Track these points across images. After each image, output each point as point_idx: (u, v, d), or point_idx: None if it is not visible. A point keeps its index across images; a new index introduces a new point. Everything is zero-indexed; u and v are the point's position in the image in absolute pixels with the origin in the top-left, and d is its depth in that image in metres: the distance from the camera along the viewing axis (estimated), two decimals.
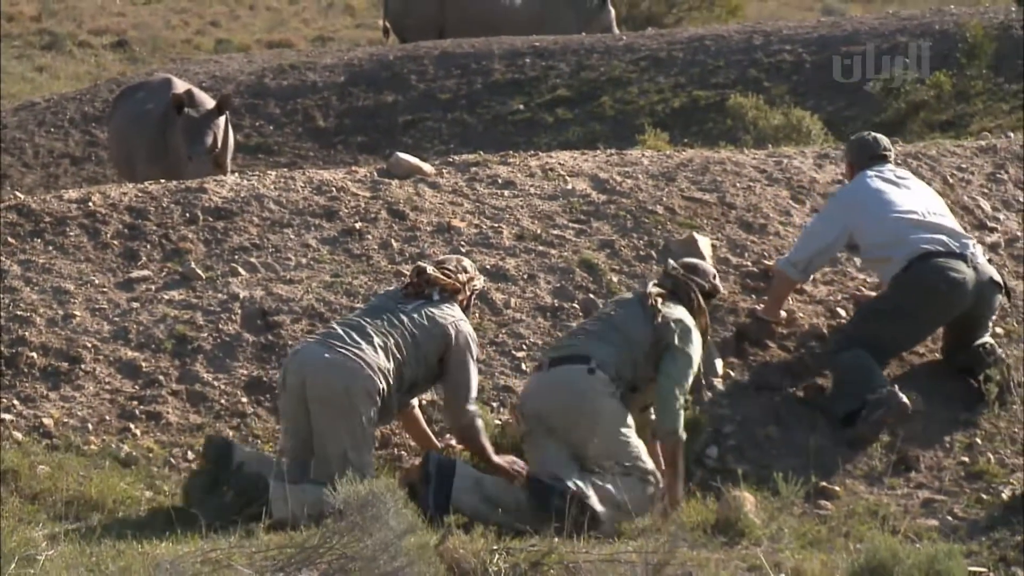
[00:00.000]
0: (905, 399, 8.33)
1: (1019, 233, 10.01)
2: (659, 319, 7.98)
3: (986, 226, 9.99)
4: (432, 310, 7.84)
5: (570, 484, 7.54)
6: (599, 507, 7.55)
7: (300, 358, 7.62)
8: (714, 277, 8.47)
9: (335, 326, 7.81)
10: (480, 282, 8.30)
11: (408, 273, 8.22)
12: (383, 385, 7.55)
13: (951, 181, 10.24)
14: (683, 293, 8.22)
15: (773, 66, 17.50)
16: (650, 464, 7.81)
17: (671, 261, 8.54)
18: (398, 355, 7.66)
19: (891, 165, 9.22)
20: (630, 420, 7.86)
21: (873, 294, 9.19)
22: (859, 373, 8.50)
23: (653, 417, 8.02)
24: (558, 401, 7.79)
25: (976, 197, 10.16)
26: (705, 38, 18.53)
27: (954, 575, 5.91)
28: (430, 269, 7.98)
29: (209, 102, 12.51)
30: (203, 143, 11.96)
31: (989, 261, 8.98)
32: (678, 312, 8.08)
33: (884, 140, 9.33)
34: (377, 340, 7.63)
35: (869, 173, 9.05)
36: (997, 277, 8.82)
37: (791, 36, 18.08)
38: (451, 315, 7.88)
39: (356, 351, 7.55)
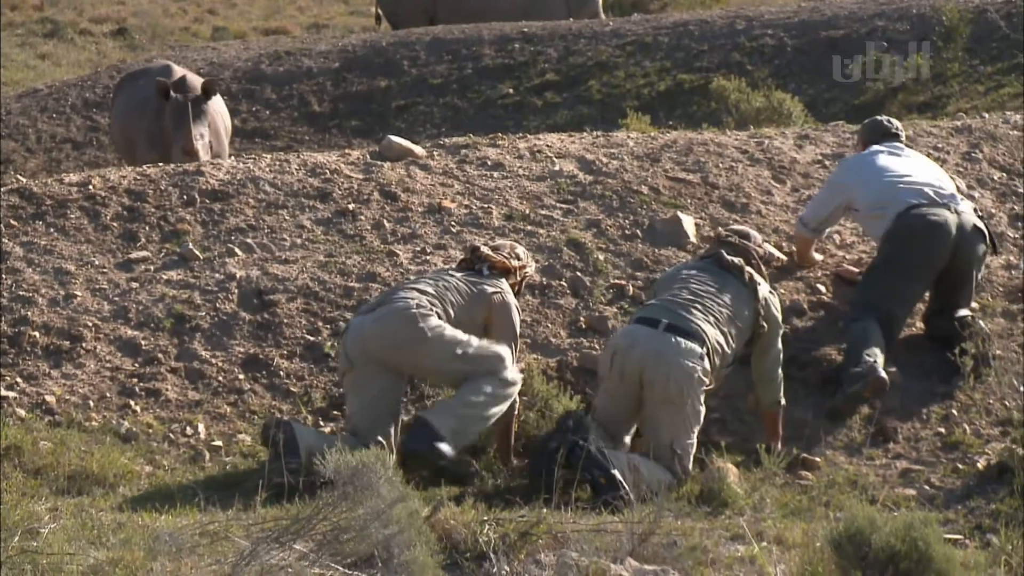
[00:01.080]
0: (883, 374, 8.34)
1: (993, 210, 10.01)
2: (761, 299, 8.07)
3: (985, 230, 9.95)
4: (480, 279, 8.04)
5: (616, 467, 7.55)
6: (628, 489, 7.47)
7: (358, 328, 7.75)
8: (762, 243, 8.67)
9: (383, 295, 8.00)
10: (532, 269, 8.48)
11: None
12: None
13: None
14: (746, 259, 8.29)
15: (755, 50, 17.47)
16: (687, 464, 7.81)
17: (723, 231, 8.59)
18: (451, 313, 7.85)
19: (900, 144, 9.43)
20: (702, 416, 7.89)
21: (855, 269, 9.27)
22: (853, 346, 8.58)
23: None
24: (668, 371, 7.72)
25: (952, 176, 10.14)
26: (689, 23, 18.50)
27: (930, 542, 5.89)
28: (483, 247, 8.18)
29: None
30: (186, 128, 11.85)
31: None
32: (765, 286, 8.23)
33: (896, 122, 9.62)
34: (429, 296, 7.82)
35: (874, 147, 9.33)
36: (981, 226, 8.95)
37: (772, 21, 18.05)
38: (497, 285, 8.07)
39: (409, 298, 7.76)
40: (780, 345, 8.21)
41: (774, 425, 8.19)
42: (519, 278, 8.29)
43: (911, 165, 9.21)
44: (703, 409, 7.85)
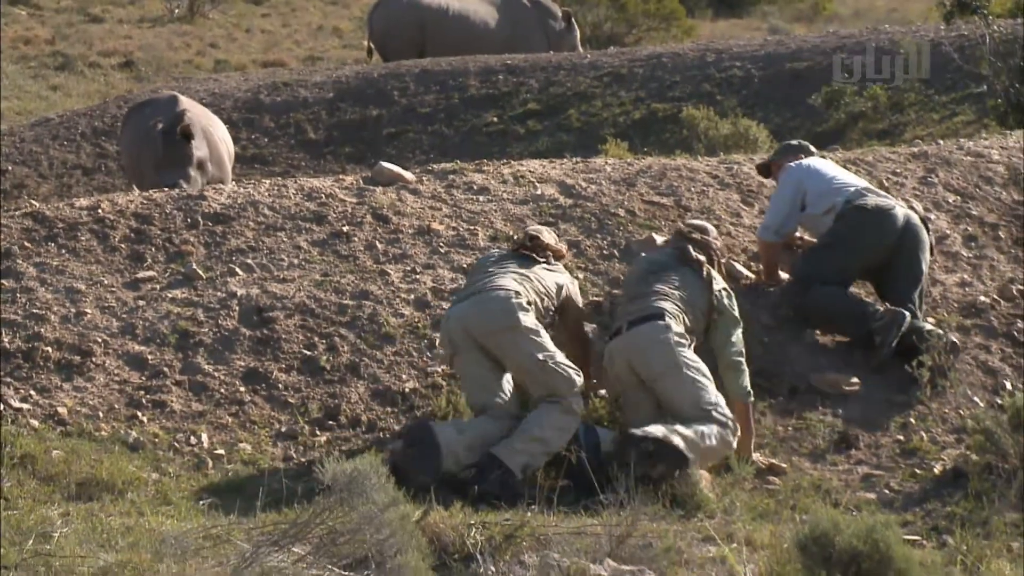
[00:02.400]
0: (903, 311, 8.61)
1: (948, 231, 10.03)
2: (715, 289, 8.22)
3: (924, 222, 9.99)
4: (551, 267, 8.22)
5: (656, 431, 7.60)
6: (688, 452, 7.60)
7: (459, 314, 7.85)
8: (718, 236, 8.84)
9: (476, 284, 8.04)
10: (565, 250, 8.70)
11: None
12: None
13: (886, 184, 10.25)
14: (706, 255, 8.45)
15: (724, 81, 17.51)
16: (728, 411, 7.91)
17: (682, 225, 8.71)
18: (537, 304, 7.97)
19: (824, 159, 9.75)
20: (707, 370, 7.99)
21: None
22: (845, 306, 8.84)
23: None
24: (645, 354, 7.94)
25: (909, 199, 10.17)
26: (662, 56, 18.54)
27: (891, 544, 5.90)
28: (545, 235, 8.34)
29: (204, 120, 12.53)
30: (172, 177, 11.77)
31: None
32: (719, 278, 8.37)
33: (810, 145, 9.86)
34: (525, 289, 7.93)
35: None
36: (923, 215, 9.29)
37: (740, 54, 18.09)
38: (565, 273, 8.35)
39: (508, 288, 7.89)
40: (739, 337, 8.25)
41: (743, 417, 8.13)
42: (567, 261, 8.61)
43: (846, 172, 9.48)
44: (700, 362, 7.96)
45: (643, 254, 8.94)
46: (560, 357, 7.80)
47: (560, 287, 8.16)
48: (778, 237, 9.30)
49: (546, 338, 7.81)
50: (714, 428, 7.76)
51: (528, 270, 8.10)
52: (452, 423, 7.86)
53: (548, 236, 8.43)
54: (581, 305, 8.45)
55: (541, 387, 7.76)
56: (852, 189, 9.13)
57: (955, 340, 8.80)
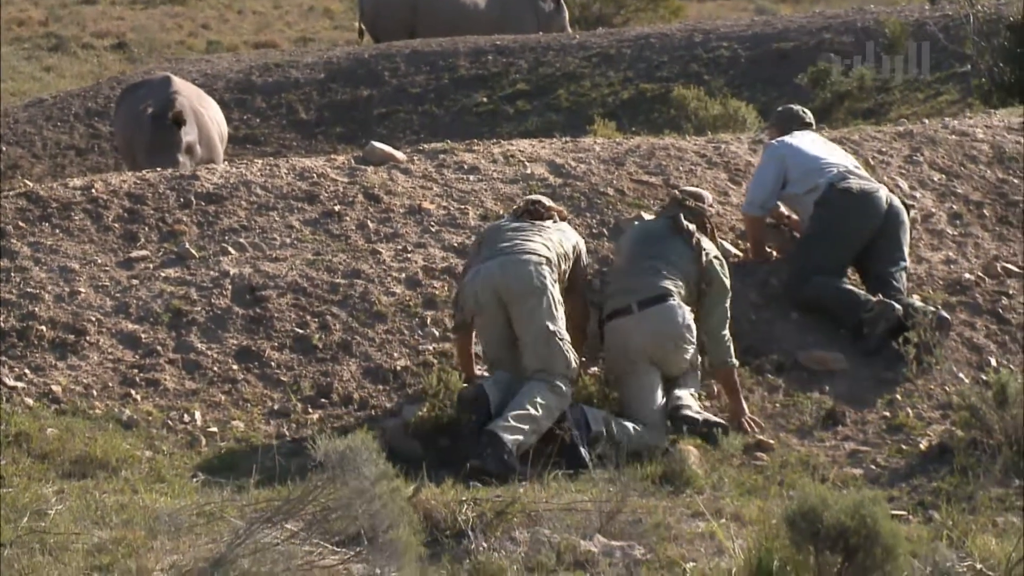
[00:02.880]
0: (895, 303, 8.62)
1: (933, 210, 10.02)
2: (704, 258, 8.27)
3: (904, 204, 9.99)
4: (560, 227, 8.31)
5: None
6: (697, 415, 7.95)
7: (488, 273, 7.93)
8: (713, 202, 8.87)
9: (500, 245, 8.08)
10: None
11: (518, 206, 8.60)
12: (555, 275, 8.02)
13: (872, 163, 10.24)
14: (699, 222, 8.49)
15: (712, 61, 17.49)
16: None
17: (677, 192, 8.72)
18: (558, 264, 8.07)
19: (813, 133, 9.68)
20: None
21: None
22: (840, 297, 8.81)
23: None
24: (662, 336, 8.04)
25: (895, 177, 10.16)
26: (650, 36, 18.51)
27: (878, 519, 5.89)
28: (546, 200, 8.47)
29: (196, 101, 12.49)
30: (160, 162, 11.70)
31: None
32: (711, 247, 8.42)
33: (808, 112, 9.84)
34: (546, 252, 8.04)
35: (795, 132, 9.53)
36: (903, 198, 9.32)
37: (727, 34, 18.07)
38: (574, 232, 8.48)
39: (538, 252, 7.99)
40: (727, 306, 8.33)
41: (729, 384, 8.21)
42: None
43: (830, 149, 9.42)
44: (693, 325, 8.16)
45: (636, 222, 8.96)
46: (566, 337, 7.86)
47: (575, 246, 8.29)
48: (763, 211, 9.31)
49: (562, 315, 7.91)
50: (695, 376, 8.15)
51: (547, 232, 8.19)
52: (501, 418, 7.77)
53: (547, 201, 8.54)
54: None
55: (539, 360, 7.79)
56: (834, 171, 9.10)
57: (945, 315, 8.79)
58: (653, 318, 8.09)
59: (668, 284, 8.15)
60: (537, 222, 8.27)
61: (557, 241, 8.16)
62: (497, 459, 7.45)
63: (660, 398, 8.00)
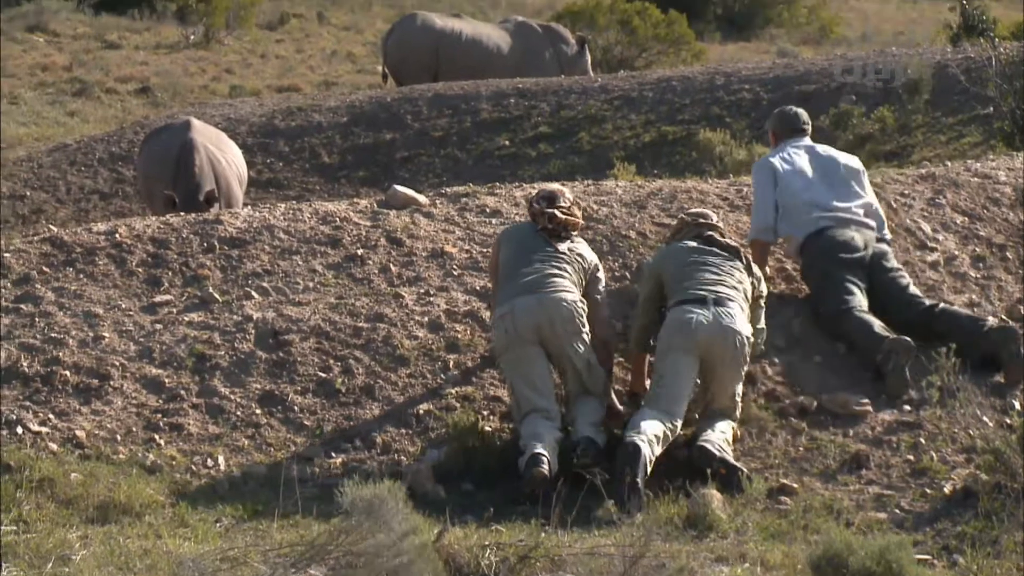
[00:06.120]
0: (904, 338, 8.67)
1: (956, 252, 10.01)
2: (755, 272, 8.61)
3: (927, 246, 9.99)
4: (577, 247, 8.58)
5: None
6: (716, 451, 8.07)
7: (527, 308, 8.18)
8: (719, 220, 9.04)
9: (530, 279, 8.29)
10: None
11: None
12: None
13: (895, 206, 10.24)
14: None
15: (734, 104, 17.51)
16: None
17: (686, 216, 8.95)
18: (579, 288, 8.41)
19: (808, 140, 9.69)
20: None
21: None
22: (862, 335, 8.84)
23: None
24: (729, 339, 8.22)
25: (917, 220, 10.16)
26: (672, 79, 18.55)
27: (903, 563, 5.89)
28: (560, 215, 8.55)
29: (214, 145, 12.51)
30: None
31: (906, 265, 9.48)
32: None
33: (804, 115, 9.86)
34: (575, 289, 8.37)
35: (785, 146, 9.58)
36: (881, 237, 9.34)
37: (749, 76, 18.10)
38: (588, 249, 8.70)
39: (570, 290, 8.32)
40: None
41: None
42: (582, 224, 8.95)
43: (817, 172, 9.41)
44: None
45: (663, 245, 9.08)
46: (595, 360, 8.30)
47: (595, 265, 8.59)
48: (768, 235, 9.38)
49: (589, 341, 8.30)
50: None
51: (566, 258, 8.44)
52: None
53: (563, 200, 8.67)
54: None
55: (581, 384, 8.26)
56: (814, 217, 9.22)
57: (1014, 326, 8.91)
58: (725, 317, 8.24)
59: (733, 295, 8.35)
60: (557, 245, 8.48)
61: (576, 266, 8.44)
62: (594, 455, 7.93)
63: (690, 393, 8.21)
